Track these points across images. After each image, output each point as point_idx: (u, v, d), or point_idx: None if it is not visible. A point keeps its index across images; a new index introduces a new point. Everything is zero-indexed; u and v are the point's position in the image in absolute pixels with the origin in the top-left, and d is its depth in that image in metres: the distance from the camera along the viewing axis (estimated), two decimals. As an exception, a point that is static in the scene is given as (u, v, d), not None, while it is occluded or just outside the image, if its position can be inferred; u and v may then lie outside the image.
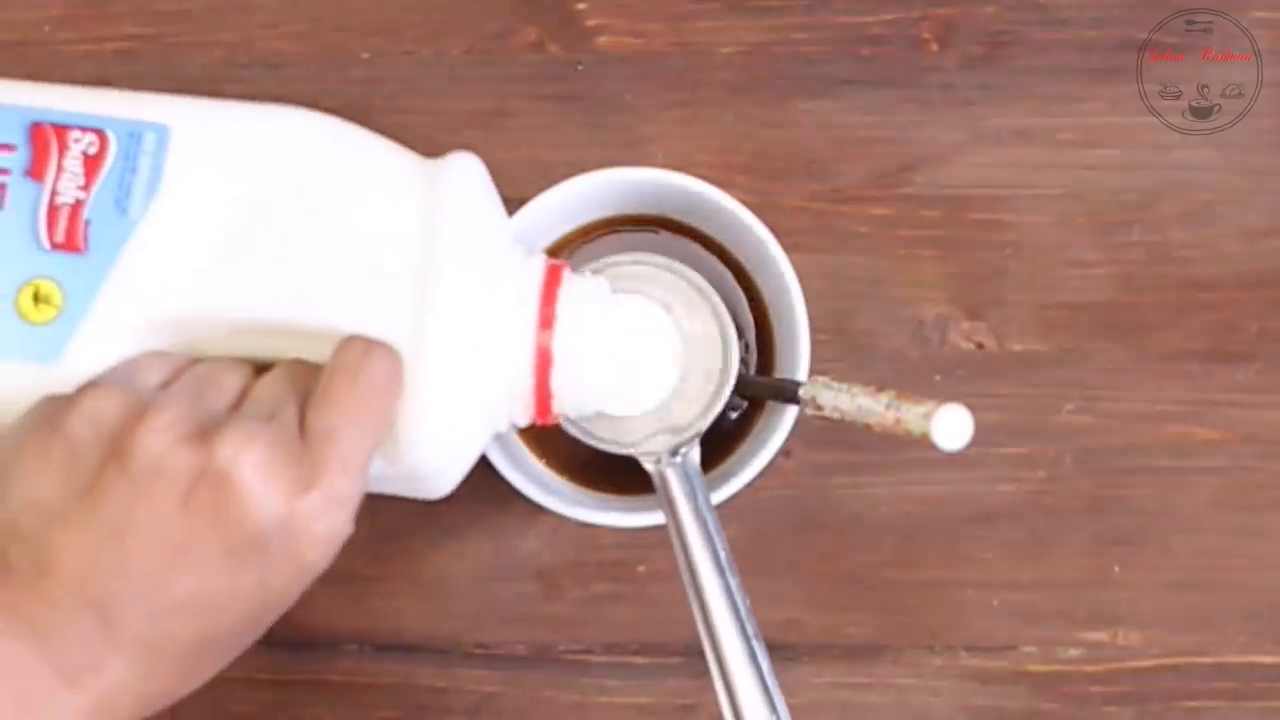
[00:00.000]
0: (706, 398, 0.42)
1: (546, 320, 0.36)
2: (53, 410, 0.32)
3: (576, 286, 0.37)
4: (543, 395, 0.37)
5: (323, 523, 0.32)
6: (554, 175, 0.44)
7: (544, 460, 0.46)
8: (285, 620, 0.49)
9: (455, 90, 0.51)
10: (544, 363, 0.36)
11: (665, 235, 0.46)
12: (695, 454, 0.41)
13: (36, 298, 0.34)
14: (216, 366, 0.34)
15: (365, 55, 0.52)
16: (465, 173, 0.37)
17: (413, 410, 0.34)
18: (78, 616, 0.30)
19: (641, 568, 0.49)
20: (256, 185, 0.35)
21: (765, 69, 0.51)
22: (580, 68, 0.51)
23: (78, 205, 0.34)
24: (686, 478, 0.40)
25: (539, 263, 0.37)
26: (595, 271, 0.42)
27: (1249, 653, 0.49)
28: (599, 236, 0.47)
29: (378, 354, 0.33)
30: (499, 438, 0.44)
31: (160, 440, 0.31)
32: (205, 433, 0.31)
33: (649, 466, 0.41)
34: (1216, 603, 0.49)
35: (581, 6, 0.52)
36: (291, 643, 0.49)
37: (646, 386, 0.42)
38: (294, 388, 0.33)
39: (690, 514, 0.39)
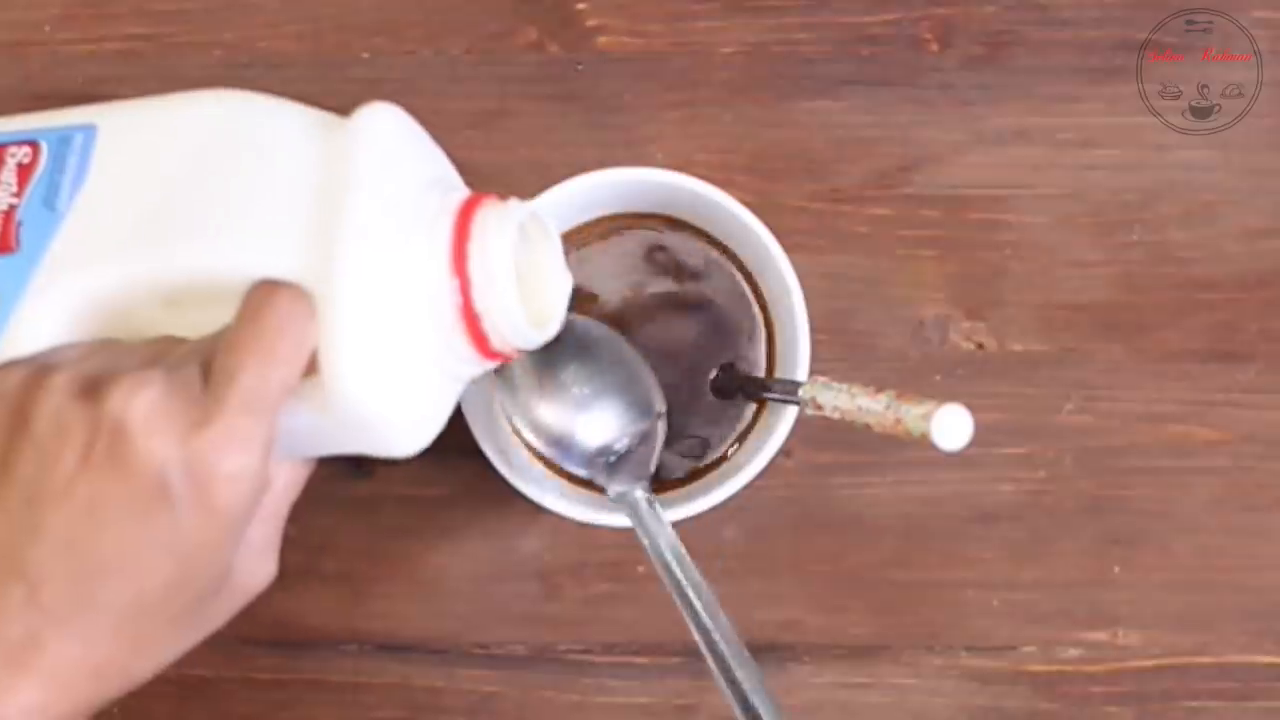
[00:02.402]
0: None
1: (460, 245, 0.35)
2: None
3: (493, 212, 0.36)
4: (472, 324, 0.36)
5: (225, 461, 0.31)
6: (554, 175, 0.44)
7: (544, 460, 0.46)
8: (285, 620, 0.49)
9: (455, 90, 0.51)
10: (464, 289, 0.35)
11: (666, 234, 0.46)
12: (640, 491, 0.41)
13: None
14: (134, 342, 0.34)
15: (365, 55, 0.52)
16: (374, 119, 0.37)
17: (328, 345, 0.33)
18: (6, 591, 0.30)
19: (641, 568, 0.49)
20: (173, 162, 0.36)
21: (765, 69, 0.51)
22: (580, 68, 0.51)
23: (10, 211, 0.36)
24: (639, 515, 0.41)
25: (457, 195, 0.37)
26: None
27: (1249, 653, 0.49)
28: (599, 236, 0.47)
29: (280, 292, 0.33)
30: (499, 437, 0.44)
31: (55, 399, 0.31)
32: (100, 386, 0.31)
33: (610, 495, 0.42)
34: (1216, 603, 0.49)
35: (581, 6, 0.52)
36: (291, 643, 0.49)
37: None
38: (204, 346, 0.33)
39: (663, 541, 0.40)
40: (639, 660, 0.49)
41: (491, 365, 0.38)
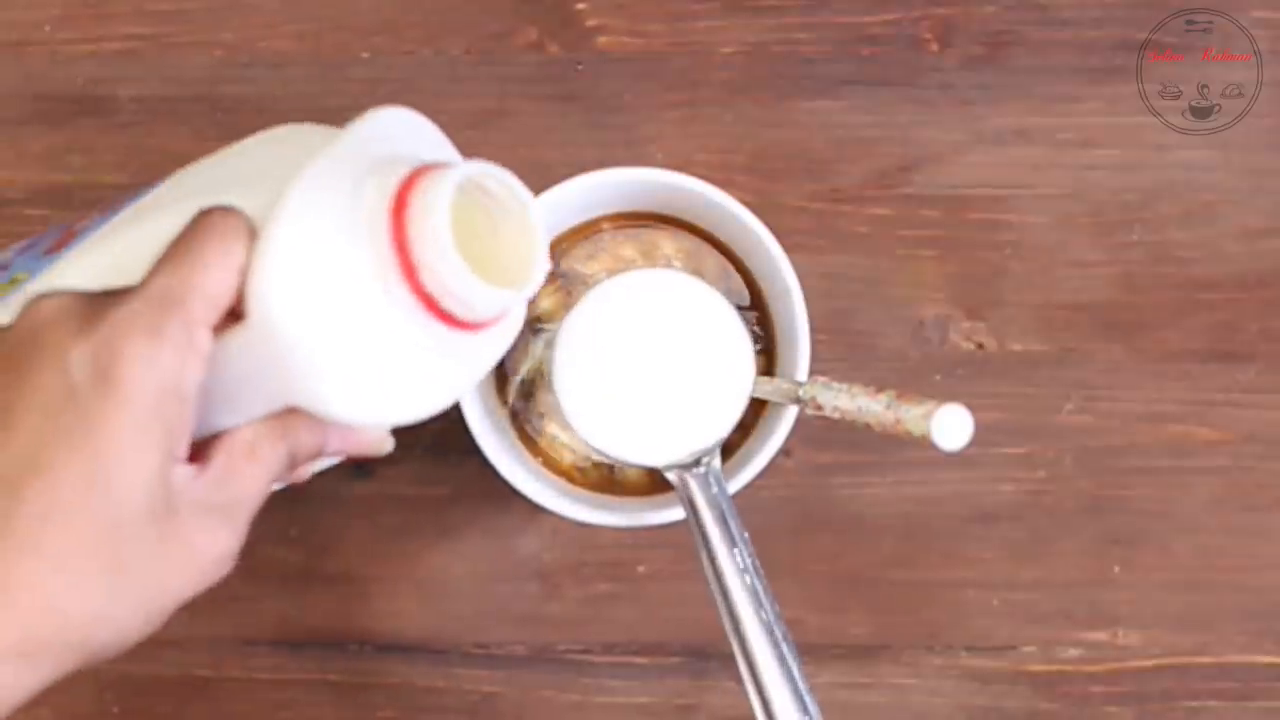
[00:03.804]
0: (726, 405, 0.42)
1: (402, 199, 0.33)
2: None
3: (443, 169, 0.34)
4: (411, 276, 0.33)
5: (127, 344, 0.30)
6: (554, 175, 0.44)
7: (543, 460, 0.46)
8: (285, 620, 0.49)
9: (455, 90, 0.51)
10: (399, 239, 0.33)
11: (666, 232, 0.46)
12: (717, 461, 0.41)
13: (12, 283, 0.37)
14: None
15: (365, 55, 0.52)
16: (375, 114, 0.36)
17: (257, 268, 0.32)
18: None
19: (641, 568, 0.49)
20: (222, 167, 0.37)
21: (765, 69, 0.51)
22: (580, 68, 0.51)
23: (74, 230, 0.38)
24: (709, 485, 0.40)
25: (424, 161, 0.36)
26: (609, 279, 0.42)
27: (1249, 653, 0.49)
28: (597, 237, 0.46)
29: (212, 210, 0.32)
30: (498, 437, 0.44)
31: None
32: (23, 312, 0.31)
33: (671, 476, 0.41)
34: (1216, 603, 0.49)
35: (581, 6, 0.52)
36: (291, 643, 0.49)
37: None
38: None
39: (714, 521, 0.39)
40: (639, 660, 0.49)
41: (468, 339, 0.35)
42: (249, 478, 0.33)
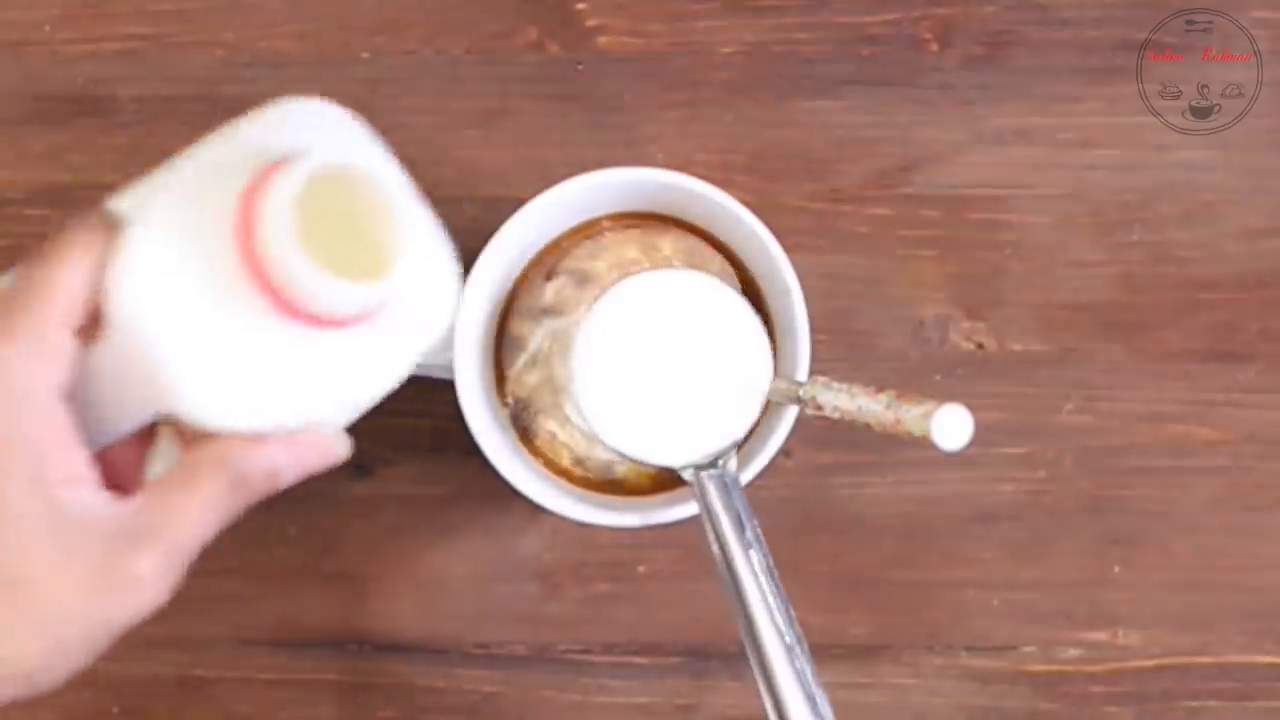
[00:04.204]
0: (743, 405, 0.41)
1: (251, 192, 0.32)
2: None
3: (295, 162, 0.33)
4: (255, 267, 0.32)
5: None
6: (554, 175, 0.44)
7: (542, 460, 0.46)
8: (285, 620, 0.49)
9: (456, 90, 0.51)
10: (245, 230, 0.32)
11: (666, 232, 0.46)
12: (733, 463, 0.41)
13: None
14: None
15: (366, 55, 0.52)
16: (277, 106, 0.35)
17: (117, 269, 0.32)
18: None
19: (641, 568, 0.49)
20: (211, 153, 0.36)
21: (765, 69, 0.51)
22: (580, 68, 0.51)
23: None
24: (724, 486, 0.40)
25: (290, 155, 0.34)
26: (627, 279, 0.42)
27: (1249, 653, 0.49)
28: (599, 236, 0.46)
29: (81, 215, 0.32)
30: (498, 436, 0.44)
31: None
32: None
33: (687, 476, 0.41)
34: (1216, 603, 0.49)
35: (581, 6, 0.52)
36: (291, 643, 0.49)
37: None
38: None
39: (730, 524, 0.39)
40: (639, 660, 0.49)
41: (345, 336, 0.34)
42: (182, 508, 0.32)
